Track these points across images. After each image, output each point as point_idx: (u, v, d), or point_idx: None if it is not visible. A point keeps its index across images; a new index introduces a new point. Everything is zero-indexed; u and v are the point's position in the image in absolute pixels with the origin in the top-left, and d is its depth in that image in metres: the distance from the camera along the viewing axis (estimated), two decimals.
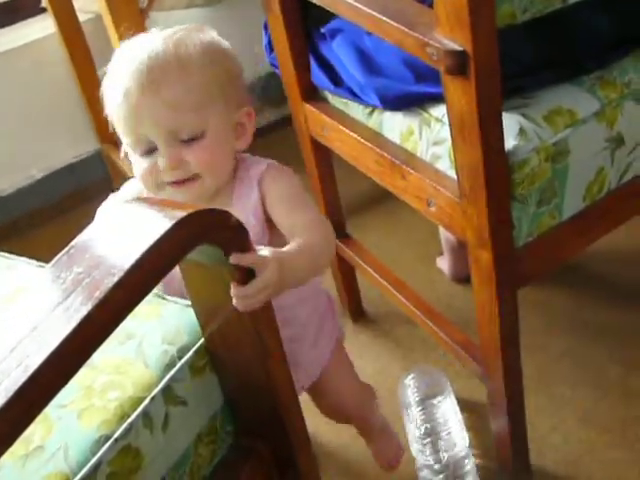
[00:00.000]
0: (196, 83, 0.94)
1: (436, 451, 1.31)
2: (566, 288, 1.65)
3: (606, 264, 1.68)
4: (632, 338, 1.53)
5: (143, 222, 0.72)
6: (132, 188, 1.07)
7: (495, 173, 1.02)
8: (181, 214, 0.71)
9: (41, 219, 2.06)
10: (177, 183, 0.97)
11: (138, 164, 0.99)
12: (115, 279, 0.66)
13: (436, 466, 1.30)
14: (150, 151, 0.96)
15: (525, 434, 1.32)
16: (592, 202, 1.15)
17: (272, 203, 1.00)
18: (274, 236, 1.01)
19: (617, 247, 1.67)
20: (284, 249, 0.88)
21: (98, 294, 0.65)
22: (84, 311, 0.64)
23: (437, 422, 1.34)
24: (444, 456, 1.30)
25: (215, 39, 1.00)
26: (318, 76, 1.32)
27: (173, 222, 0.70)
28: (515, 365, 1.23)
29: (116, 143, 2.02)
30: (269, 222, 1.01)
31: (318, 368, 1.18)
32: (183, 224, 0.71)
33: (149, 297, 0.94)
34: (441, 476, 1.30)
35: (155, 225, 0.71)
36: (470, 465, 1.30)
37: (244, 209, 1.00)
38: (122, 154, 1.04)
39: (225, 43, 1.01)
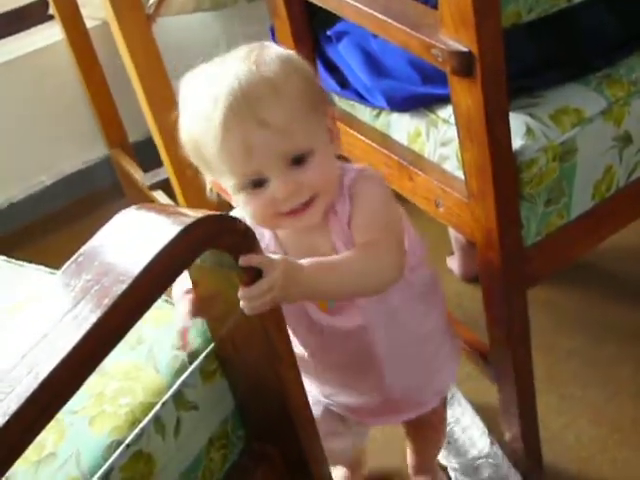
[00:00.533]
0: (292, 99, 0.87)
1: (463, 452, 1.32)
2: (575, 287, 1.65)
3: (616, 262, 1.67)
4: None
5: (151, 228, 0.73)
6: None
7: (503, 173, 1.02)
8: (189, 220, 0.72)
9: (52, 225, 2.06)
10: (294, 212, 0.90)
11: (247, 203, 0.91)
12: (124, 286, 0.66)
13: (466, 466, 1.30)
14: (257, 185, 0.89)
15: (537, 434, 1.32)
16: (601, 201, 1.15)
17: (353, 216, 0.93)
18: None
19: (627, 245, 1.67)
20: (310, 259, 0.85)
21: (107, 301, 0.65)
22: (93, 318, 0.65)
23: (455, 423, 1.34)
24: (474, 454, 1.30)
25: (284, 50, 0.94)
26: (325, 79, 1.32)
27: (181, 228, 0.71)
28: (526, 365, 1.22)
29: (124, 148, 2.04)
30: None
31: (438, 391, 1.14)
32: (191, 230, 0.71)
33: (159, 302, 0.95)
34: (469, 477, 1.30)
35: (163, 231, 0.71)
36: (495, 463, 1.30)
37: (339, 232, 0.94)
38: (210, 195, 0.96)
39: (291, 51, 0.95)
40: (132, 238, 0.73)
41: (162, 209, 0.78)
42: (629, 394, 1.44)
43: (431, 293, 1.09)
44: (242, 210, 0.93)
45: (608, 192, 1.15)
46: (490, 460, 1.29)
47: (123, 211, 0.76)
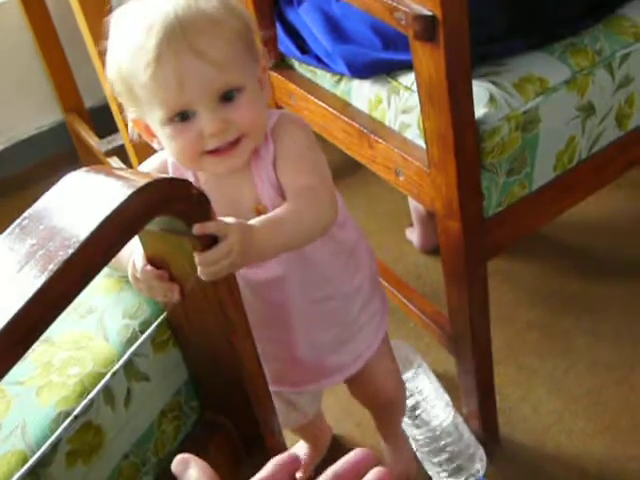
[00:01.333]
0: (229, 36, 0.86)
1: (425, 423, 1.31)
2: (534, 259, 1.65)
3: (574, 235, 1.68)
4: (600, 308, 1.53)
5: (100, 191, 0.69)
6: (152, 166, 0.98)
7: (465, 142, 1.01)
8: (140, 183, 0.68)
9: (3, 191, 2.01)
10: (220, 151, 0.88)
11: (172, 137, 0.88)
12: (70, 251, 0.63)
13: (428, 437, 1.30)
14: (184, 118, 0.87)
15: (494, 405, 1.32)
16: (563, 172, 1.14)
17: (279, 159, 0.92)
18: None
19: (587, 218, 1.67)
20: (257, 218, 0.84)
21: (52, 267, 0.62)
22: (38, 284, 0.61)
23: (419, 395, 1.34)
24: (435, 425, 1.30)
25: None
26: (285, 43, 1.29)
27: (131, 191, 0.67)
28: (484, 336, 1.22)
29: (80, 113, 2.00)
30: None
31: (368, 349, 1.12)
32: (143, 192, 0.68)
33: (109, 270, 0.92)
34: (430, 447, 1.29)
35: (113, 194, 0.68)
36: (456, 434, 1.30)
37: (263, 176, 0.93)
38: (131, 135, 0.95)
39: None
40: (80, 201, 0.69)
41: (112, 171, 0.75)
42: (586, 365, 1.44)
43: (360, 250, 1.08)
44: (166, 147, 0.91)
45: (570, 163, 1.14)
46: (452, 430, 1.29)
47: (71, 173, 0.72)
